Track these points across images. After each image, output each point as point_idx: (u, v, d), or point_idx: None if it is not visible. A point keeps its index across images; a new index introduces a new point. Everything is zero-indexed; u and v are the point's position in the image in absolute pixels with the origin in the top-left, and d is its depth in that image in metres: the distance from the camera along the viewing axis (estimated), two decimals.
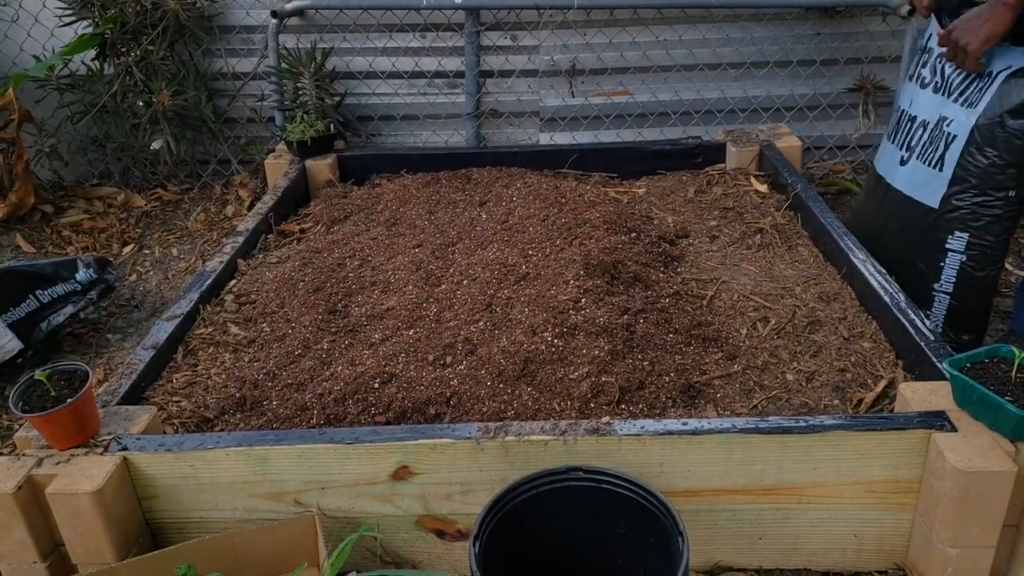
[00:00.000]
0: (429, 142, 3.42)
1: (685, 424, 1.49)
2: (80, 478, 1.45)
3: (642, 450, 1.48)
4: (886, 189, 2.34)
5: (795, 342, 1.94)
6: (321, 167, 2.97)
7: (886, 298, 1.92)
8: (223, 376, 1.91)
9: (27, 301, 2.42)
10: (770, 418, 1.50)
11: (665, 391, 1.75)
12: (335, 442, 1.49)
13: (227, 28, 3.29)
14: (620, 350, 1.82)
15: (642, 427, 1.49)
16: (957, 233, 2.11)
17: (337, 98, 3.25)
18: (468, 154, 3.07)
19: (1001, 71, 2.00)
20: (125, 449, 1.52)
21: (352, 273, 2.30)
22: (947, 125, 2.11)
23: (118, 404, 1.69)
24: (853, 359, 1.87)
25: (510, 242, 2.34)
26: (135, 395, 1.78)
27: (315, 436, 1.52)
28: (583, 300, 1.97)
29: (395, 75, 3.30)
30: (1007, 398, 1.41)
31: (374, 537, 1.55)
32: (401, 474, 1.50)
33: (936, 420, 1.47)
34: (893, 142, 2.35)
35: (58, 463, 1.49)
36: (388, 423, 1.70)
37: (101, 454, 1.51)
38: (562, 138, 3.34)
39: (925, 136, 2.19)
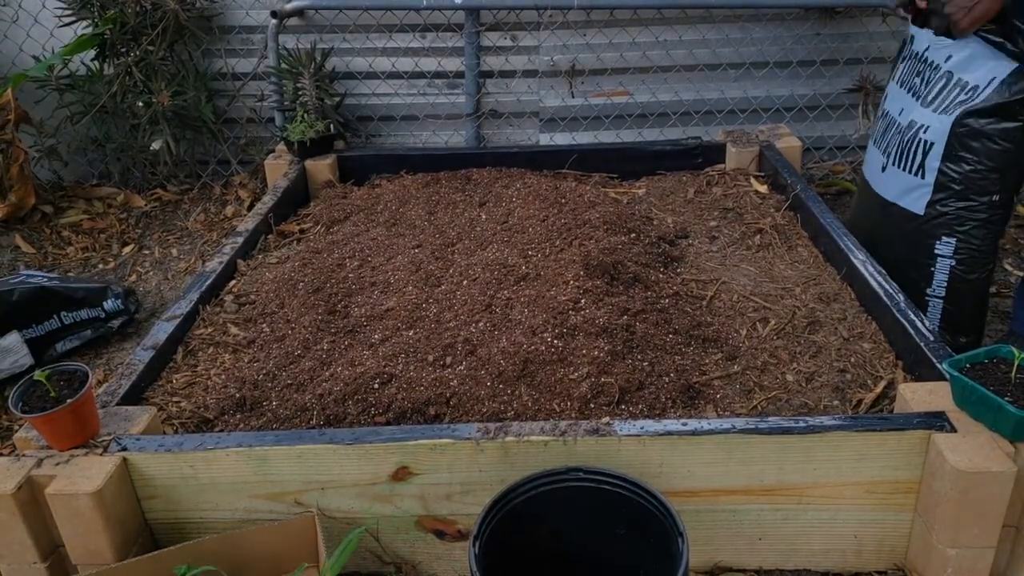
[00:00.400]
0: (429, 142, 3.42)
1: (685, 424, 1.49)
2: (80, 478, 1.45)
3: (642, 451, 1.48)
4: (872, 195, 2.33)
5: (795, 343, 1.94)
6: (321, 167, 2.97)
7: (886, 299, 1.92)
8: (223, 376, 1.91)
9: (51, 320, 2.41)
10: (770, 419, 1.50)
11: (665, 392, 1.75)
12: (335, 443, 1.49)
13: (227, 28, 3.29)
14: (620, 351, 1.82)
15: (642, 427, 1.49)
16: (944, 238, 2.11)
17: (337, 98, 3.25)
18: (468, 154, 3.07)
19: (988, 83, 1.98)
20: (125, 449, 1.52)
21: (352, 274, 2.30)
22: (923, 132, 2.10)
23: (118, 404, 1.69)
24: (853, 360, 1.86)
25: (510, 243, 2.34)
26: (135, 395, 1.78)
27: (315, 436, 1.52)
28: (583, 301, 1.96)
29: (395, 75, 3.30)
30: (1007, 399, 1.41)
31: (375, 538, 1.55)
32: (401, 474, 1.50)
33: (936, 421, 1.47)
34: (877, 147, 2.34)
35: (58, 464, 1.49)
36: (388, 423, 1.70)
37: (101, 455, 1.51)
38: (562, 138, 3.34)
39: (903, 142, 2.18)
